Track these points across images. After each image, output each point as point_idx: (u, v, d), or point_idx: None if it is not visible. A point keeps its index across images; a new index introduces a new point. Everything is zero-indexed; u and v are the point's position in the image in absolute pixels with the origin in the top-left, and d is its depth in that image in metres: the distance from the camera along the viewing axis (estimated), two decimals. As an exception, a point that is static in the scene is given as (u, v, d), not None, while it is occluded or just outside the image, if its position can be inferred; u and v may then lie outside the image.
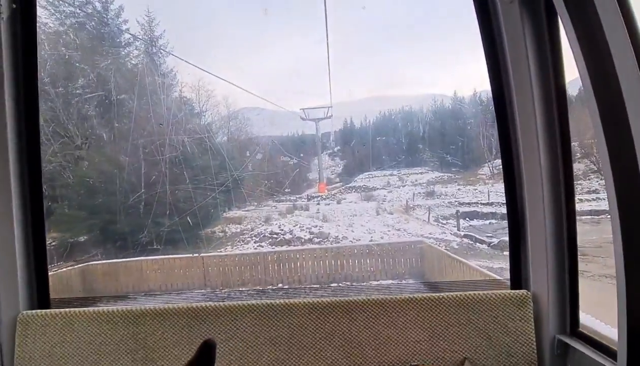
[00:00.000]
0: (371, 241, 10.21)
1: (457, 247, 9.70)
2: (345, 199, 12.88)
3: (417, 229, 11.14)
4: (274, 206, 12.16)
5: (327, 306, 1.36)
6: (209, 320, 1.36)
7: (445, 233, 10.76)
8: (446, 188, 12.67)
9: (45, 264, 1.44)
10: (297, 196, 12.72)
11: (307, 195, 12.90)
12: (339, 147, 14.49)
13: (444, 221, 11.52)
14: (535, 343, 1.32)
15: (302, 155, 13.20)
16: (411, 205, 12.50)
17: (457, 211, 11.44)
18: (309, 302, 1.38)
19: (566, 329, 1.31)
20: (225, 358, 1.36)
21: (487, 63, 1.38)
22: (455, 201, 12.11)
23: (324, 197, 12.68)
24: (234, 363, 1.36)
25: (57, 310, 1.39)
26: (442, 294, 1.37)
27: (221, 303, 1.38)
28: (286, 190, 12.62)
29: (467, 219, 11.06)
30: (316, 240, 10.41)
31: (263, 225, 11.37)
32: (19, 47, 1.30)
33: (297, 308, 1.36)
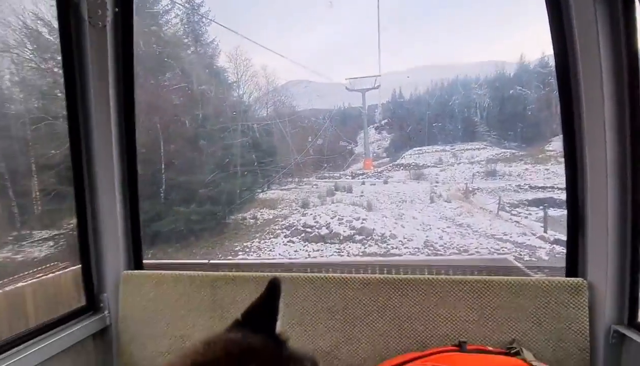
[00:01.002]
0: (427, 241, 8.30)
1: (547, 258, 7.54)
2: (392, 178, 12.28)
3: (484, 226, 8.89)
4: (315, 185, 11.71)
5: (379, 282, 1.57)
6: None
7: (526, 234, 8.36)
8: (510, 166, 11.49)
9: (139, 232, 1.82)
10: (341, 172, 12.64)
11: (352, 172, 12.77)
12: (386, 120, 14.14)
13: (514, 211, 9.47)
14: (588, 331, 1.42)
15: (358, 139, 12.84)
16: (470, 188, 10.83)
17: (545, 208, 8.82)
18: (362, 277, 1.60)
19: (623, 320, 1.38)
20: (285, 322, 1.65)
21: (553, 39, 1.41)
22: (525, 185, 10.54)
23: (370, 175, 12.49)
24: (294, 327, 1.64)
25: (150, 272, 1.77)
26: (493, 277, 1.51)
27: (284, 274, 1.66)
28: (328, 166, 12.46)
29: (543, 207, 9.11)
30: (358, 238, 8.78)
31: (298, 212, 10.23)
32: (119, 48, 1.61)
33: (351, 282, 1.59)
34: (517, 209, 9.79)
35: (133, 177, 1.77)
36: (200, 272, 1.72)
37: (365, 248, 8.71)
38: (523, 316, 1.46)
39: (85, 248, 1.76)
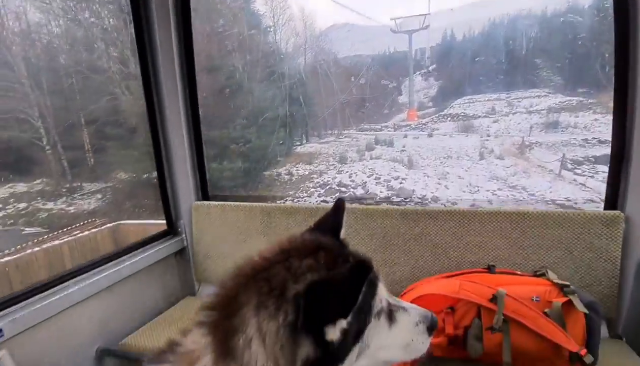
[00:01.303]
0: (473, 206, 7.23)
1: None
2: (438, 130, 11.50)
3: (543, 188, 7.74)
4: (355, 138, 11.03)
5: (417, 213, 1.74)
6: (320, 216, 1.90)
7: (594, 201, 6.65)
8: (576, 116, 9.77)
9: (204, 169, 2.15)
10: (383, 124, 12.19)
11: (394, 124, 12.26)
12: (434, 66, 13.10)
13: (578, 170, 8.19)
14: (619, 262, 1.51)
15: (400, 78, 12.04)
16: (527, 143, 9.43)
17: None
18: (400, 209, 1.78)
19: (658, 251, 1.46)
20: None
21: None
22: (593, 139, 8.94)
23: (413, 126, 11.84)
24: (339, 251, 1.91)
25: (215, 202, 2.11)
26: (528, 209, 1.61)
27: (329, 205, 1.89)
28: (370, 117, 11.87)
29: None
30: (395, 200, 7.90)
31: (334, 168, 9.65)
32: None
33: (390, 213, 1.78)
34: (582, 167, 8.28)
35: (196, 122, 2.05)
36: (257, 203, 2.02)
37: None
38: (555, 246, 1.57)
39: (163, 183, 2.12)
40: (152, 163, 2.11)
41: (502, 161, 9.17)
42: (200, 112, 2.11)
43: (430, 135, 11.47)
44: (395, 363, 0.78)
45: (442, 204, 2.05)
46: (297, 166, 10.08)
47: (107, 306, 1.75)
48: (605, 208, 1.56)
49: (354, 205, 1.86)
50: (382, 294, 0.73)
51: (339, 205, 0.92)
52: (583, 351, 1.20)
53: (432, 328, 0.79)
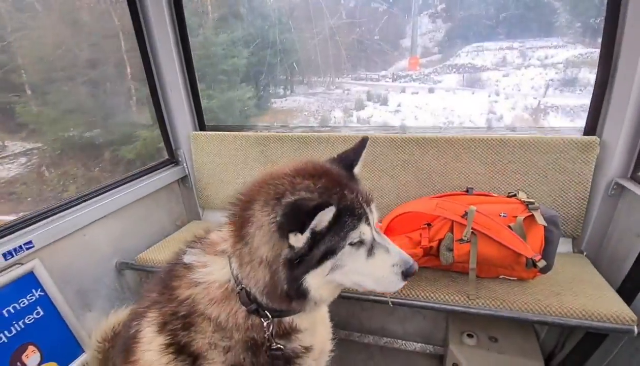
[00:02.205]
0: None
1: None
2: (440, 82, 11.17)
3: None
4: (347, 90, 10.84)
5: (403, 140, 1.81)
6: (312, 144, 1.98)
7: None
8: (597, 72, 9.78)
9: (199, 101, 2.18)
10: (381, 74, 11.76)
11: (393, 73, 11.84)
12: (443, 6, 12.27)
13: None
14: (590, 184, 1.61)
15: (407, 30, 11.42)
16: (542, 106, 9.69)
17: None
18: (388, 136, 1.85)
19: (627, 174, 1.54)
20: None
21: None
22: None
23: (414, 77, 11.44)
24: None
25: (212, 132, 2.18)
26: (508, 135, 1.68)
27: (321, 134, 1.96)
28: (365, 59, 11.39)
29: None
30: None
31: (311, 132, 9.17)
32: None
33: (379, 140, 1.86)
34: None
35: (187, 48, 2.06)
36: (253, 132, 2.09)
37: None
38: (532, 170, 1.66)
39: (160, 115, 2.18)
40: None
41: (513, 133, 9.04)
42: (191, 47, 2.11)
43: (431, 90, 10.93)
44: (366, 289, 0.87)
45: (426, 131, 2.16)
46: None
47: (121, 226, 1.90)
48: (584, 134, 1.62)
49: (343, 134, 1.93)
50: (366, 230, 0.80)
51: (362, 141, 0.98)
52: (537, 258, 1.34)
53: (407, 274, 0.81)
